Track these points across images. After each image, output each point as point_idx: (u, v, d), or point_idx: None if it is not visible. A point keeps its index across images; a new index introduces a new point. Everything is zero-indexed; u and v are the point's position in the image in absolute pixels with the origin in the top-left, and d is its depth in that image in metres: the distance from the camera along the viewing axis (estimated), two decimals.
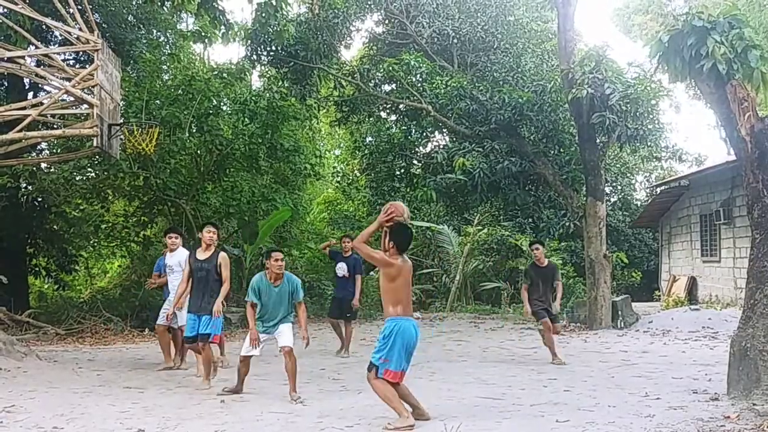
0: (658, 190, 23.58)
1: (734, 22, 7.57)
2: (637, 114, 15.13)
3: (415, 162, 21.27)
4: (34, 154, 16.49)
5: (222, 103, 17.68)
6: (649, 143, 16.92)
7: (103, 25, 15.95)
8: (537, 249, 11.11)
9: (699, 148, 49.27)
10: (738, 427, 6.02)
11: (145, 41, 18.05)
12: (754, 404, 6.59)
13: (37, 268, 18.91)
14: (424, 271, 23.04)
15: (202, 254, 8.68)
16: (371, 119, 22.42)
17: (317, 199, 26.64)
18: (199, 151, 16.93)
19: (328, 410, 7.22)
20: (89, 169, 17.18)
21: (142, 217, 17.74)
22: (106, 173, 16.21)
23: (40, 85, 15.33)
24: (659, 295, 22.19)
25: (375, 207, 21.96)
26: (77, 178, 16.99)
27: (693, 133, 54.23)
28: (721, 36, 7.45)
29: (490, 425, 6.53)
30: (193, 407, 7.48)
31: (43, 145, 16.71)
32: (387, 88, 20.92)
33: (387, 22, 20.94)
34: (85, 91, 10.24)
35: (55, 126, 12.05)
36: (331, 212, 25.84)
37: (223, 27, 15.08)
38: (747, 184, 7.60)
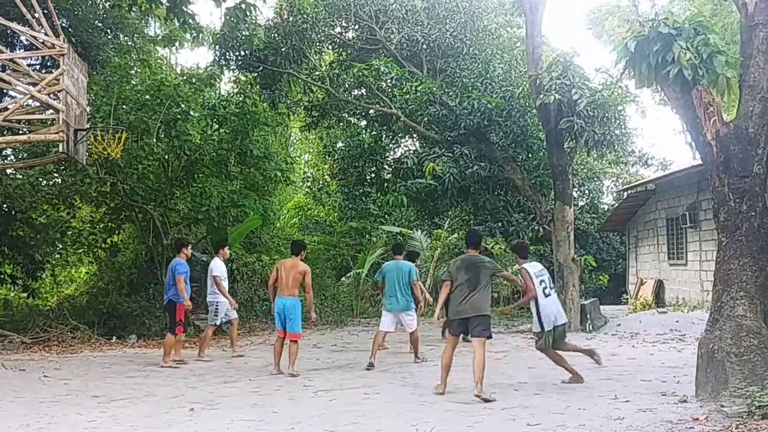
0: (625, 194, 23.80)
1: (699, 29, 7.67)
2: (604, 119, 15.28)
3: (385, 167, 21.26)
4: (0, 159, 16.23)
5: (191, 109, 17.50)
6: (615, 148, 17.08)
7: (70, 29, 15.74)
8: None
9: (665, 153, 50.06)
10: (707, 428, 6.10)
11: (112, 46, 17.83)
12: (722, 406, 6.67)
13: (2, 276, 18.57)
14: None
15: None
16: (341, 124, 22.39)
17: (287, 204, 26.51)
18: (167, 157, 16.70)
19: (299, 417, 7.19)
20: (55, 175, 16.92)
21: (109, 223, 17.45)
22: (72, 179, 15.96)
23: (5, 90, 15.07)
24: (627, 299, 22.39)
25: (346, 212, 21.91)
26: (43, 184, 16.71)
27: (659, 138, 55.04)
28: (686, 42, 7.54)
29: (462, 429, 6.55)
30: (162, 415, 7.40)
31: (9, 150, 16.44)
32: (357, 93, 20.90)
33: (357, 27, 20.90)
34: (51, 96, 10.12)
35: (20, 131, 11.89)
36: (301, 217, 25.74)
37: (192, 31, 14.98)
38: (713, 188, 7.71)
